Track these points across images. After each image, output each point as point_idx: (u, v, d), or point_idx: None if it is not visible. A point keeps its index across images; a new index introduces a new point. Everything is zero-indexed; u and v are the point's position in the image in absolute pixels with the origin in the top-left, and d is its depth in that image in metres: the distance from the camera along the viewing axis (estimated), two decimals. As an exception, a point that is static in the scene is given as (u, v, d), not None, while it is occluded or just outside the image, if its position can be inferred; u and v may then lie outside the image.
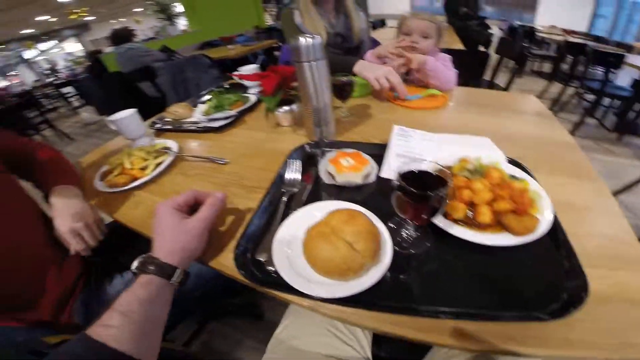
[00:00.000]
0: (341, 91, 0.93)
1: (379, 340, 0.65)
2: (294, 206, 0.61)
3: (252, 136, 0.94)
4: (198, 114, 1.11)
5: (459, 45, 2.61)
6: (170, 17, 5.92)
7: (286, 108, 0.89)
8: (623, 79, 3.22)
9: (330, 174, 0.67)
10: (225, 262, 0.53)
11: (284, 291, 0.45)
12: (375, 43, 1.55)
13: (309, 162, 0.76)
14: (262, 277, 0.48)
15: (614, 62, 2.65)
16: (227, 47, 3.86)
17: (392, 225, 0.55)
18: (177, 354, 0.79)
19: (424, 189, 0.38)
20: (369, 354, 0.60)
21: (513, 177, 0.60)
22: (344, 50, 1.37)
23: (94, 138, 4.32)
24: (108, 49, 5.02)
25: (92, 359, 0.36)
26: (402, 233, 0.54)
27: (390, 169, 0.68)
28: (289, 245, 0.50)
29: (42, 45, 13.98)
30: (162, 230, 0.50)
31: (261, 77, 0.85)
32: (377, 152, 0.74)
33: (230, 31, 4.52)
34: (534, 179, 0.62)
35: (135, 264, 0.47)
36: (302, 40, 0.68)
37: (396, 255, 0.48)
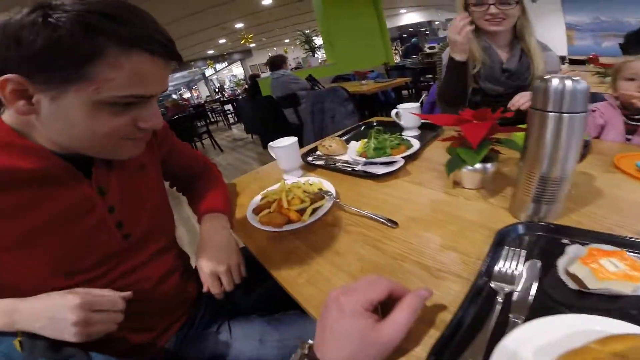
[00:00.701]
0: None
1: None
2: (515, 313, 0.40)
3: (423, 194, 0.77)
4: (352, 153, 1.02)
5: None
6: (313, 49, 6.52)
7: (478, 166, 0.68)
8: None
9: (576, 276, 0.43)
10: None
11: None
12: None
13: (523, 248, 0.53)
14: None
15: None
16: (361, 82, 3.94)
17: None
18: None
19: None
20: None
21: None
22: (510, 91, 1.14)
23: (238, 153, 5.05)
24: (265, 74, 5.89)
25: None
26: None
27: None
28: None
29: (218, 66, 17.64)
30: (342, 333, 0.36)
31: (461, 122, 0.66)
32: (637, 250, 0.47)
33: (362, 66, 4.66)
34: None
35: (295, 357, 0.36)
36: (557, 82, 0.47)
37: None
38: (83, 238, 0.51)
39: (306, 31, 6.38)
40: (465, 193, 0.73)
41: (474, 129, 0.61)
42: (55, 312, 0.43)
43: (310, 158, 1.10)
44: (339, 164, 1.00)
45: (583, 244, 0.48)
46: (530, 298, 0.43)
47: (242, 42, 8.01)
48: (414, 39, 10.34)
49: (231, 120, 7.85)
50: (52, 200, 0.48)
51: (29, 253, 0.47)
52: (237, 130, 6.84)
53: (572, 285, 0.44)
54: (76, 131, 0.44)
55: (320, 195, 0.78)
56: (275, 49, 14.16)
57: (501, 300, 0.43)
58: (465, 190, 0.74)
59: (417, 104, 1.17)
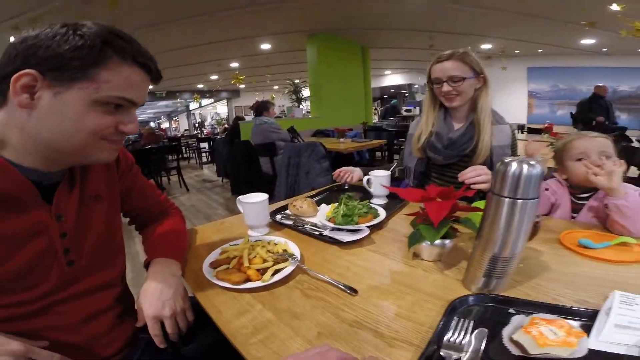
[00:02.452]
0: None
1: None
2: None
3: (384, 264, 0.79)
4: (321, 216, 1.04)
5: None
6: (299, 100, 6.75)
7: (437, 242, 0.73)
8: None
9: (519, 343, 0.47)
10: None
11: None
12: None
13: (477, 319, 0.55)
14: None
15: None
16: (339, 140, 4.11)
17: None
18: None
19: None
20: None
21: None
22: (453, 157, 1.28)
23: (204, 195, 4.86)
24: (248, 118, 5.98)
25: None
26: None
27: (606, 342, 0.49)
28: None
29: (204, 101, 17.11)
30: None
31: (425, 199, 0.71)
32: (581, 319, 0.54)
33: (343, 123, 4.96)
34: None
35: None
36: (515, 166, 0.53)
37: None
38: (29, 260, 0.55)
39: (296, 81, 6.63)
40: (424, 265, 0.77)
41: (437, 208, 0.66)
42: None
43: (279, 216, 1.10)
44: (307, 226, 1.01)
45: (527, 314, 0.53)
46: None
47: (233, 81, 8.23)
48: (393, 101, 10.54)
49: (204, 159, 7.74)
50: (6, 221, 0.52)
51: None
52: (208, 171, 6.72)
53: (514, 351, 0.47)
54: (65, 126, 0.51)
55: (284, 257, 0.77)
56: (263, 93, 14.18)
57: None
58: (423, 262, 0.78)
59: (388, 173, 1.25)
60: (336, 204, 1.05)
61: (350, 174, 1.41)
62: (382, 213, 1.03)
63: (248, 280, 0.71)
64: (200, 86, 13.21)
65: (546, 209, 1.11)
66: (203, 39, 5.56)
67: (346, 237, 0.87)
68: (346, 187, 1.44)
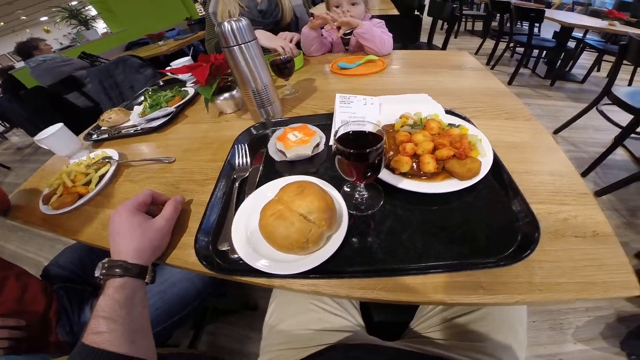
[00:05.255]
0: (282, 69, 0.92)
1: (367, 306, 0.66)
2: (248, 190, 0.61)
3: (196, 129, 0.91)
4: (135, 117, 1.05)
5: (394, 11, 2.65)
6: (86, 22, 5.37)
7: (226, 95, 0.87)
8: (548, 31, 3.51)
9: (280, 151, 0.67)
10: (189, 258, 0.52)
11: (252, 276, 0.46)
12: None
13: (259, 144, 0.75)
14: (228, 266, 0.49)
15: (536, 17, 2.87)
16: (158, 44, 3.59)
17: (347, 189, 0.57)
18: (186, 357, 0.79)
19: (362, 148, 0.40)
20: (361, 321, 0.62)
21: (452, 125, 0.64)
22: (269, 27, 1.38)
23: (32, 162, 3.82)
24: (20, 64, 4.50)
25: None
26: (356, 195, 0.56)
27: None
28: (248, 230, 0.50)
29: None
30: (127, 231, 0.49)
31: (191, 68, 0.81)
32: (325, 121, 0.76)
33: (160, 27, 4.21)
34: (473, 124, 0.67)
35: (99, 270, 0.46)
36: (226, 24, 0.65)
37: (354, 218, 0.50)
38: None
39: (72, 3, 5.09)
40: (227, 117, 0.92)
41: (200, 71, 0.77)
42: None
43: (94, 136, 1.05)
44: (124, 130, 1.02)
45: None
46: (258, 176, 0.65)
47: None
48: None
49: (1, 129, 5.75)
50: None
51: None
52: (18, 137, 5.14)
53: (279, 158, 0.67)
54: None
55: (103, 163, 0.81)
56: (28, 31, 10.31)
57: (237, 185, 0.63)
58: (227, 115, 0.93)
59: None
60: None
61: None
62: (192, 91, 1.09)
63: (81, 196, 0.74)
64: None
65: (327, 48, 1.43)
66: None
67: (157, 123, 0.94)
68: (161, 84, 1.40)
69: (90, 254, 0.89)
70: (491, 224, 0.48)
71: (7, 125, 5.69)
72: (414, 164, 0.56)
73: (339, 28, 1.16)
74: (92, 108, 2.80)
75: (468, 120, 0.69)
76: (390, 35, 1.24)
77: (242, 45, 0.68)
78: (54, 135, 0.90)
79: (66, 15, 5.27)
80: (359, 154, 0.40)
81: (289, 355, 0.54)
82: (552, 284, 0.41)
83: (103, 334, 0.39)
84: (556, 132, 2.32)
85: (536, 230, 0.44)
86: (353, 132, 0.46)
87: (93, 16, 5.64)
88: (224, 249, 0.51)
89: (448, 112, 0.72)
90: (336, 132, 0.45)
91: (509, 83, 3.15)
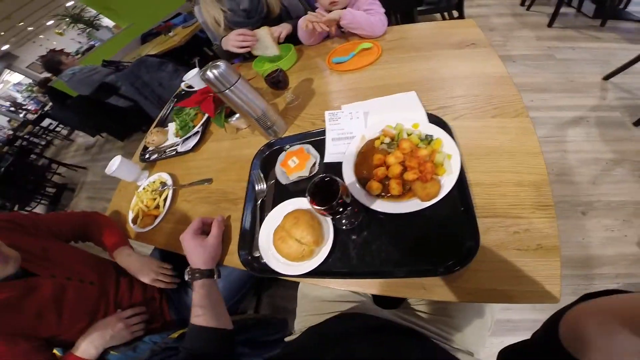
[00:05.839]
0: (277, 83, 1.04)
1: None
2: (266, 208, 0.83)
3: (220, 148, 1.12)
4: (171, 136, 1.28)
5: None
6: (91, 23, 5.45)
7: (237, 116, 1.04)
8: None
9: (284, 174, 0.86)
10: (236, 261, 0.78)
11: (275, 274, 0.70)
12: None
13: (270, 159, 0.93)
14: (260, 266, 0.74)
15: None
16: (168, 35, 3.50)
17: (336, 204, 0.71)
18: (252, 320, 1.12)
19: (330, 194, 0.56)
20: (369, 294, 0.84)
21: (428, 137, 0.73)
22: (258, 24, 1.35)
23: (101, 161, 4.30)
24: (54, 78, 4.79)
25: (201, 336, 0.66)
26: (343, 212, 0.63)
27: (330, 154, 0.84)
28: (268, 243, 0.74)
29: None
30: (193, 250, 0.77)
31: (198, 102, 0.99)
32: (320, 137, 0.91)
33: (164, 14, 4.12)
34: (450, 135, 0.72)
35: (187, 276, 0.75)
36: (209, 74, 0.78)
37: (337, 233, 0.69)
38: None
39: (68, 4, 5.16)
40: (243, 134, 1.11)
41: (206, 105, 0.95)
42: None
43: (147, 156, 1.31)
44: (168, 150, 1.26)
45: (291, 146, 0.90)
46: (271, 195, 0.85)
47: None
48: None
49: (65, 132, 6.49)
50: None
51: None
52: (82, 139, 5.84)
53: (284, 180, 0.85)
54: None
55: (161, 190, 1.08)
56: (42, 36, 10.23)
57: (259, 204, 0.84)
58: (243, 131, 1.12)
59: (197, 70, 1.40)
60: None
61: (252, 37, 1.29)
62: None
63: (156, 216, 1.04)
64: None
65: (320, 38, 1.38)
66: None
67: (191, 143, 1.17)
68: (176, 102, 1.58)
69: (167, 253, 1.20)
70: (442, 237, 0.60)
71: (69, 128, 6.31)
72: (384, 186, 0.69)
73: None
74: (133, 107, 3.11)
75: (447, 129, 0.74)
76: (381, 12, 1.20)
77: (230, 88, 0.81)
78: (119, 169, 1.15)
79: (69, 22, 5.35)
80: (323, 207, 0.56)
81: (312, 320, 0.79)
82: (481, 289, 0.53)
83: (199, 317, 0.67)
84: (606, 78, 2.06)
85: (475, 244, 0.55)
86: (319, 182, 0.59)
87: (97, 16, 5.63)
88: (256, 255, 0.75)
89: (430, 116, 0.79)
90: (307, 188, 0.59)
91: (549, 25, 2.62)
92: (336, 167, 0.80)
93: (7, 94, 12.26)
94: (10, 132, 7.25)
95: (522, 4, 2.96)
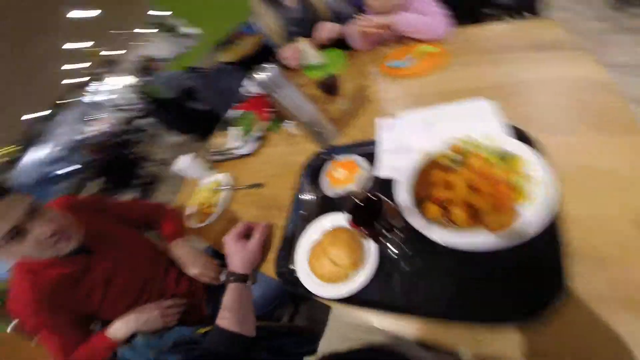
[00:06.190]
0: (329, 89, 1.02)
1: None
2: (310, 218, 0.79)
3: (276, 152, 1.13)
4: (233, 139, 1.34)
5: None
6: (173, 29, 6.01)
7: (284, 125, 1.04)
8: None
9: (329, 185, 0.82)
10: (272, 270, 0.77)
11: (305, 293, 0.65)
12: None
13: (318, 169, 0.90)
14: (293, 280, 0.70)
15: None
16: (240, 45, 3.69)
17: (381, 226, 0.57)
18: (284, 328, 1.11)
19: (374, 214, 0.50)
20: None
21: (503, 155, 0.58)
22: (311, 32, 1.39)
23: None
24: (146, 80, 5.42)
25: (221, 338, 0.66)
26: (390, 236, 0.57)
27: (382, 168, 0.76)
28: (304, 258, 0.70)
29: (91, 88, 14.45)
30: (233, 253, 0.78)
31: (253, 107, 1.02)
32: (371, 147, 0.84)
33: (232, 22, 4.41)
34: (536, 149, 0.58)
35: (222, 277, 0.77)
36: (259, 77, 0.79)
37: (382, 259, 0.60)
38: None
39: (149, 13, 5.77)
40: (297, 140, 1.10)
41: (259, 111, 0.96)
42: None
43: (211, 156, 1.38)
44: (229, 152, 1.30)
45: (338, 155, 0.87)
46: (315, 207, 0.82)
47: (90, 57, 7.23)
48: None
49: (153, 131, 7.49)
50: None
51: None
52: (170, 137, 6.61)
53: (331, 192, 0.81)
54: None
55: (220, 189, 1.13)
56: (138, 43, 11.51)
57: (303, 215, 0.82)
58: (296, 137, 1.11)
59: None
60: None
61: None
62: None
63: (211, 214, 1.08)
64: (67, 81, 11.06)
65: (375, 41, 1.30)
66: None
67: (249, 147, 1.21)
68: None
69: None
70: (516, 280, 0.48)
71: (161, 127, 7.18)
72: (444, 210, 0.56)
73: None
74: (209, 112, 3.41)
75: (530, 144, 0.60)
76: (440, 12, 1.08)
77: (280, 91, 0.81)
78: (190, 166, 1.24)
79: (165, 29, 5.85)
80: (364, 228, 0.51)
81: (338, 345, 0.71)
82: (560, 354, 0.41)
83: (225, 319, 0.67)
84: None
85: (560, 293, 0.43)
86: (363, 199, 0.53)
87: (181, 24, 6.13)
88: (292, 268, 0.72)
89: (508, 128, 0.66)
90: (348, 204, 0.54)
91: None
92: (388, 184, 0.71)
93: (108, 96, 14.80)
94: (111, 130, 8.67)
95: (614, 7, 2.40)
